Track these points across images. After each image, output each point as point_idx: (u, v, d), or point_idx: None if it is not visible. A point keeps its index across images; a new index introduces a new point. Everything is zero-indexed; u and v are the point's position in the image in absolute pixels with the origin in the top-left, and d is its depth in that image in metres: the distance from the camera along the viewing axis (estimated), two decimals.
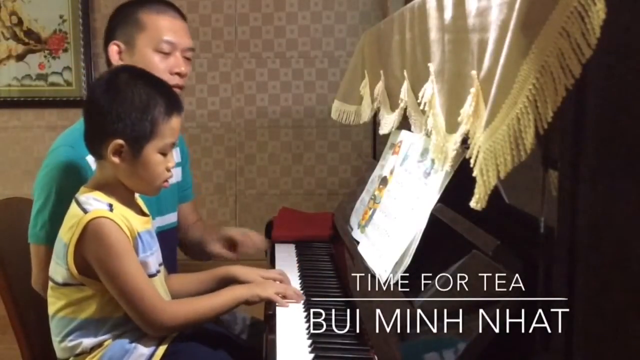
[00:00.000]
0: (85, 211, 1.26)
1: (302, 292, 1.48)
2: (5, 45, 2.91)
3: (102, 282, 1.26)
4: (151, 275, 1.33)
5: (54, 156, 1.49)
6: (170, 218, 1.73)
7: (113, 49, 1.59)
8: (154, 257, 1.35)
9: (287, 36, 2.91)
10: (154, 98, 1.28)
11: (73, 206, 1.29)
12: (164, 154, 1.30)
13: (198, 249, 1.88)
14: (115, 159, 1.27)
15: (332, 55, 2.91)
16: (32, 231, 1.47)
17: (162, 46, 1.57)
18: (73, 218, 1.27)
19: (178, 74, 1.59)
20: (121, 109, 1.26)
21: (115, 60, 1.59)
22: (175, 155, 1.76)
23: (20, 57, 2.92)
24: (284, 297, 1.41)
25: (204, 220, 2.06)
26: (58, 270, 1.30)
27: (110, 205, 1.28)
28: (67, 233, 1.27)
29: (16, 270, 1.52)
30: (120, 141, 1.26)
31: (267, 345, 1.29)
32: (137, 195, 1.41)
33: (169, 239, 1.70)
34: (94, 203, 1.27)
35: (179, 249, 1.89)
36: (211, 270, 1.53)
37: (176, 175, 1.75)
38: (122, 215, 1.28)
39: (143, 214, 1.39)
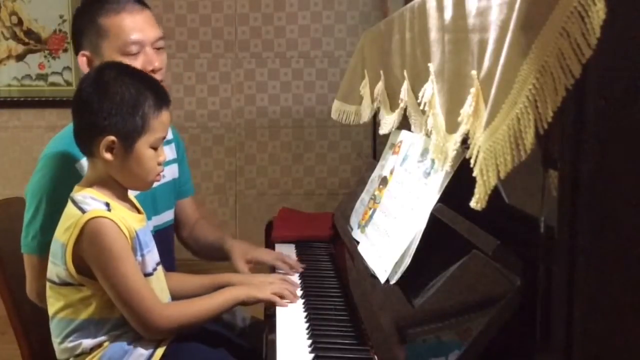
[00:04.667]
0: (83, 211, 1.26)
1: (301, 292, 1.48)
2: (5, 45, 2.91)
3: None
4: (148, 275, 1.32)
5: (45, 163, 1.47)
6: (167, 216, 1.71)
7: (82, 60, 1.54)
8: (151, 256, 1.35)
9: (287, 36, 2.91)
10: (143, 93, 1.29)
11: (69, 206, 1.29)
12: (155, 149, 1.31)
13: (209, 250, 1.83)
14: (107, 156, 1.27)
15: (332, 55, 2.90)
16: (24, 241, 1.46)
17: (129, 49, 1.50)
18: (70, 218, 1.27)
19: (152, 71, 1.51)
20: (111, 106, 1.26)
21: (86, 70, 1.51)
22: (171, 151, 1.74)
23: (20, 57, 2.92)
24: (281, 297, 1.42)
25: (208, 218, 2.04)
26: (55, 270, 1.29)
27: (108, 205, 1.28)
28: (64, 233, 1.27)
29: (16, 270, 1.51)
30: (111, 137, 1.26)
31: (267, 345, 1.29)
32: (131, 196, 1.41)
33: (165, 237, 1.69)
34: (91, 202, 1.27)
35: (186, 249, 1.88)
36: (213, 276, 1.53)
37: (172, 172, 1.73)
38: (120, 214, 1.28)
39: (138, 211, 1.39)
